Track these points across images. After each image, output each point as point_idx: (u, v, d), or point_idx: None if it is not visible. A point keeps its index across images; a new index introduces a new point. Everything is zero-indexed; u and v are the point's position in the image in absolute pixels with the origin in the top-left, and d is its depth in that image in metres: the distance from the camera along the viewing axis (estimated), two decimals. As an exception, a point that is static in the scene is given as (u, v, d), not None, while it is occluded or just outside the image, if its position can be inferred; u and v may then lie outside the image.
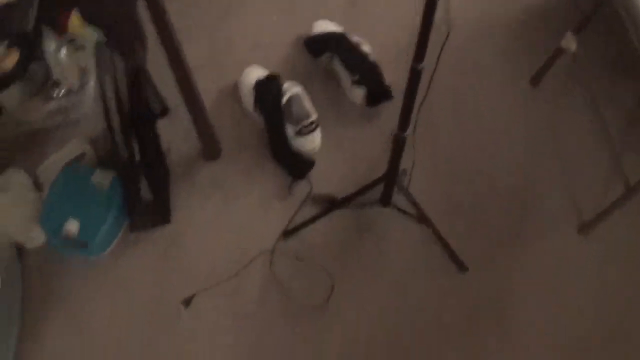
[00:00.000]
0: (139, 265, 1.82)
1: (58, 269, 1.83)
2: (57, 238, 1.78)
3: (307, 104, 1.86)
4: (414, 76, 1.29)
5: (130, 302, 1.77)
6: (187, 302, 1.74)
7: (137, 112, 1.82)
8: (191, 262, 1.81)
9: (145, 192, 1.82)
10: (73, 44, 1.89)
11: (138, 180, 1.79)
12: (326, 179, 1.91)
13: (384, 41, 2.12)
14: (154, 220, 1.85)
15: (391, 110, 2.00)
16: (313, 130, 1.84)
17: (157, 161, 1.84)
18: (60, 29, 1.72)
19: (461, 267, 1.75)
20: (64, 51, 1.87)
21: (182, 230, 1.86)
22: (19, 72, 1.85)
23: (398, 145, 1.52)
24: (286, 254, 1.79)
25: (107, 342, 1.72)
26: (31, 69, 1.86)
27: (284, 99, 1.84)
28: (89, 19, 1.69)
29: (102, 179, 1.83)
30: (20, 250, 1.84)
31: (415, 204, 1.77)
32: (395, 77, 1.96)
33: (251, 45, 2.17)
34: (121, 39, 1.77)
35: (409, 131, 1.43)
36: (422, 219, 1.76)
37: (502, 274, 1.76)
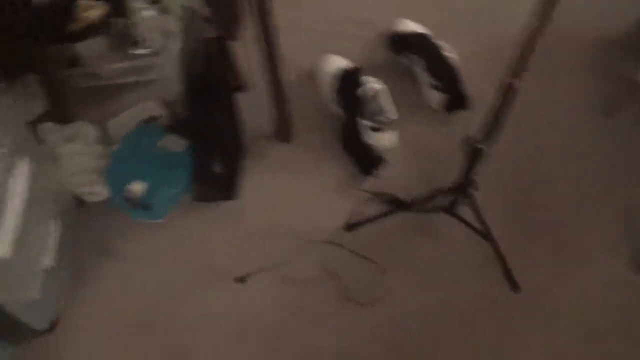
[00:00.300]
0: (196, 234, 1.83)
1: (115, 226, 1.85)
2: (119, 196, 1.79)
3: (388, 102, 1.85)
4: (509, 92, 1.27)
5: (182, 269, 1.79)
6: (242, 280, 1.73)
7: (217, 83, 1.81)
8: (249, 240, 1.81)
9: (216, 165, 1.79)
10: (159, 6, 1.88)
11: (211, 151, 1.78)
12: (392, 177, 1.91)
13: (468, 49, 2.08)
14: (221, 194, 1.85)
15: (466, 118, 1.97)
16: (389, 128, 1.82)
17: (233, 136, 1.84)
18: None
19: (514, 286, 1.74)
20: (149, 12, 1.88)
21: (244, 207, 1.87)
22: (103, 25, 1.86)
23: (476, 157, 1.51)
24: (344, 245, 1.78)
25: (151, 305, 1.73)
26: (114, 24, 1.85)
27: (364, 93, 1.82)
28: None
29: (173, 144, 1.82)
30: (79, 202, 1.85)
31: (480, 217, 1.76)
32: (476, 86, 1.92)
33: (333, 34, 2.15)
34: (219, 9, 1.77)
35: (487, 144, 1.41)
36: (485, 234, 1.75)
37: (553, 299, 1.74)
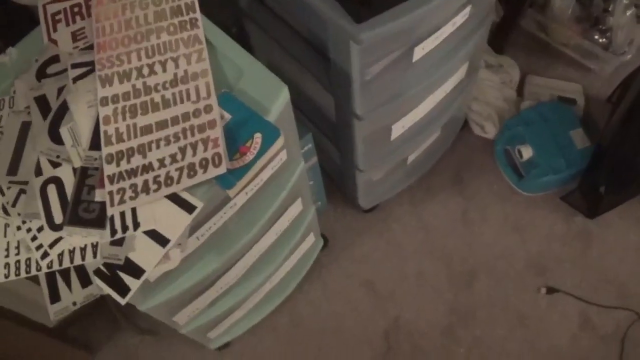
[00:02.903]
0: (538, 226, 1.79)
1: (475, 165, 1.90)
2: (503, 146, 1.85)
3: None
4: None
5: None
6: (551, 290, 1.69)
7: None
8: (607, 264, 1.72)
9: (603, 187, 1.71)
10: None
11: (615, 172, 1.70)
12: None
13: None
14: (583, 205, 1.79)
15: None
16: None
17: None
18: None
19: None
20: (629, 14, 1.86)
21: (598, 231, 1.77)
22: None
23: None
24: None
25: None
26: (596, 4, 1.82)
27: None
28: None
29: (579, 139, 1.78)
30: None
31: None
32: None
33: None
34: None
35: None
36: None
37: None
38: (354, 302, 1.66)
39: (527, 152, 1.73)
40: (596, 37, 1.87)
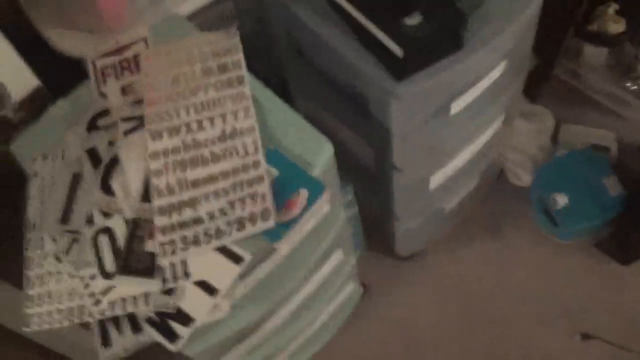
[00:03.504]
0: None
1: (511, 214, 1.90)
2: (538, 195, 1.84)
3: None
4: None
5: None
6: (586, 336, 1.68)
7: None
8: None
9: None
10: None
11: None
12: None
13: None
14: (617, 252, 1.79)
15: None
16: None
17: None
18: None
19: None
20: None
21: (631, 278, 1.76)
22: (615, 41, 1.83)
23: None
24: None
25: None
26: (627, 52, 1.89)
27: None
28: None
29: (612, 185, 1.78)
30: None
31: None
32: None
33: None
34: None
35: None
36: None
37: None
38: (392, 351, 1.66)
39: (562, 200, 1.74)
40: (628, 84, 1.89)
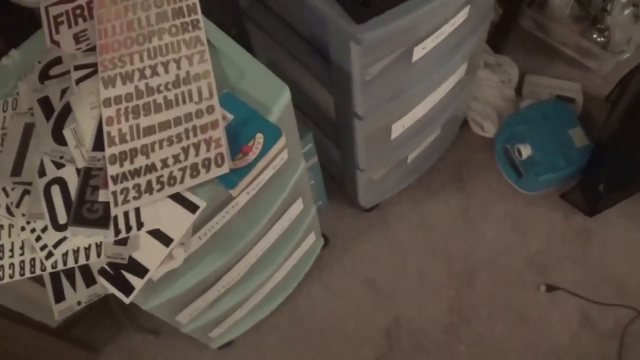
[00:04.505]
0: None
1: (468, 161, 1.91)
2: (503, 145, 1.85)
3: None
4: None
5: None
6: (551, 288, 1.70)
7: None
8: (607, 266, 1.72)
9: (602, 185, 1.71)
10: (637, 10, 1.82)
11: (612, 170, 1.71)
12: None
13: None
14: (583, 204, 1.80)
15: None
16: None
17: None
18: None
19: None
20: (628, 13, 1.86)
21: (597, 229, 1.78)
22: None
23: None
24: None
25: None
26: (594, 3, 1.84)
27: None
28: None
29: (577, 137, 1.79)
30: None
31: None
32: None
33: None
34: None
35: None
36: None
37: None
38: (355, 301, 1.67)
39: (526, 151, 1.74)
40: (594, 35, 1.88)
